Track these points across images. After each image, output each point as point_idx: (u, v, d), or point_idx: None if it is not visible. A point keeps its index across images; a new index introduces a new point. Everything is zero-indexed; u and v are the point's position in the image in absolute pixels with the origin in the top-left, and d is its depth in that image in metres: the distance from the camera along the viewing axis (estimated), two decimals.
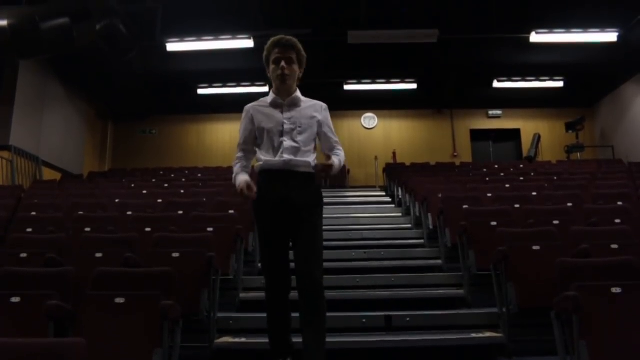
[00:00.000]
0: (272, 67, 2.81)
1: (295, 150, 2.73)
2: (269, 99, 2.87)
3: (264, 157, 2.78)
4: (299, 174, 2.72)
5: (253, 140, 2.87)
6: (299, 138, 2.76)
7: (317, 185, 2.80)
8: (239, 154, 2.89)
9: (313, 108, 2.88)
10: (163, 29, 9.84)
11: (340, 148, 2.93)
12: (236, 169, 2.84)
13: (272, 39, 2.82)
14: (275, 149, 2.74)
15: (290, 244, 2.77)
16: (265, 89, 12.17)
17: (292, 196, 2.67)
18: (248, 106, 2.92)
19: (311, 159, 2.77)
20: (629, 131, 12.53)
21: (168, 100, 13.39)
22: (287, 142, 2.73)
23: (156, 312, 2.81)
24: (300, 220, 2.68)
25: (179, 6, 9.38)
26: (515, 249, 3.82)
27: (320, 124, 2.87)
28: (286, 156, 2.70)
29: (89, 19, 8.35)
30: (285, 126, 2.77)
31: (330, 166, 2.65)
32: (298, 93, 2.88)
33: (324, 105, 2.94)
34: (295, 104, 2.84)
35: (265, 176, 2.74)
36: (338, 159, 2.79)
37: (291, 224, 2.70)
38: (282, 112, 2.80)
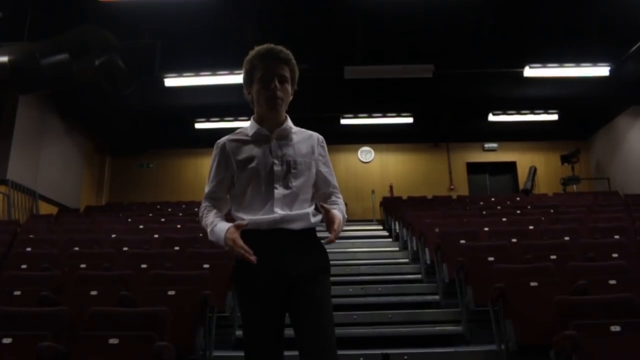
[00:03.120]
0: (256, 87, 2.07)
1: (291, 201, 2.04)
2: (250, 130, 2.14)
3: (245, 213, 2.05)
4: (296, 233, 2.00)
5: (227, 188, 2.17)
6: (295, 183, 2.06)
7: (320, 245, 2.10)
8: (207, 204, 2.17)
9: (309, 141, 2.17)
10: (161, 65, 9.97)
11: (340, 195, 2.23)
12: (209, 218, 2.09)
13: (256, 49, 2.08)
14: (263, 200, 2.03)
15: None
16: None
17: (288, 264, 1.96)
18: (221, 141, 2.16)
19: (310, 209, 2.08)
20: (624, 163, 12.61)
21: (166, 135, 13.46)
22: (280, 191, 2.03)
23: (151, 353, 2.78)
24: (301, 294, 1.97)
25: (177, 42, 9.51)
26: (512, 286, 3.81)
27: (316, 162, 2.17)
28: (279, 210, 2.00)
29: (88, 54, 8.47)
30: (276, 168, 2.05)
31: (338, 228, 1.99)
32: (289, 122, 2.16)
33: (321, 137, 2.23)
34: (286, 136, 2.12)
35: (249, 240, 1.92)
36: (340, 209, 2.12)
37: (288, 302, 1.99)
38: (270, 149, 2.08)
